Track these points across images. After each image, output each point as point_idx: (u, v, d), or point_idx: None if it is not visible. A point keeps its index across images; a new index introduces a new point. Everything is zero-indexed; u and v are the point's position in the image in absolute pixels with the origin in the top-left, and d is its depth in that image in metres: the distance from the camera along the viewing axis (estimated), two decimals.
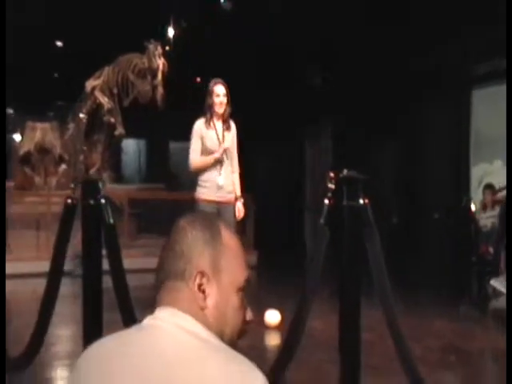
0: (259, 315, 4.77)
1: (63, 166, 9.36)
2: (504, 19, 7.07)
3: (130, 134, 9.97)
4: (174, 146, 13.39)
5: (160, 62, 8.76)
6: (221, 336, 1.11)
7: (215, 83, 4.73)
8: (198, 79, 11.91)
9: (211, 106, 4.70)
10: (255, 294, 6.33)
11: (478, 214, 7.58)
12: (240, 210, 4.77)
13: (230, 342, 1.13)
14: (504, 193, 6.77)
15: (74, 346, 4.18)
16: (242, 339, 1.15)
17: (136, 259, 6.77)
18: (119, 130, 9.35)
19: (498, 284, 6.41)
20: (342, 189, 2.43)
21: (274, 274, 7.94)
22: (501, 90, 8.74)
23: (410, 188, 9.10)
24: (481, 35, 7.60)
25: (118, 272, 2.53)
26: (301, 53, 9.45)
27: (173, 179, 11.31)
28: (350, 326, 2.51)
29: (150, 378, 1.02)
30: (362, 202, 2.44)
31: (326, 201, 2.47)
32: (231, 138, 4.78)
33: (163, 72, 8.84)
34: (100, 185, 2.57)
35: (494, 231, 7.21)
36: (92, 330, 2.61)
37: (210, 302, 1.12)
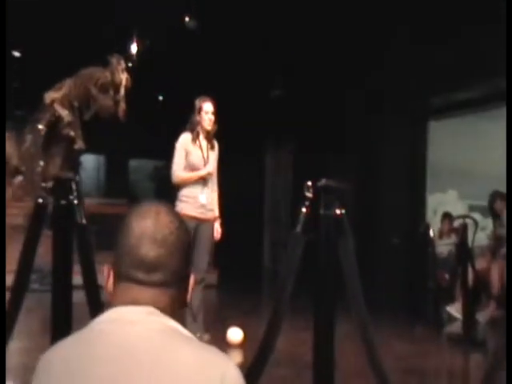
0: (221, 333, 4.73)
1: (19, 178, 9.11)
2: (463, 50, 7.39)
3: (89, 148, 9.83)
4: (133, 163, 13.30)
5: (123, 77, 8.66)
6: None
7: (204, 100, 4.75)
8: (160, 97, 11.93)
9: (199, 123, 4.71)
10: (217, 313, 6.32)
11: (435, 241, 7.74)
12: (218, 230, 4.79)
13: None
14: (460, 221, 6.95)
15: (32, 360, 4.02)
16: None
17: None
18: (79, 144, 9.17)
19: (454, 310, 6.56)
20: (319, 198, 2.44)
21: (233, 293, 7.89)
22: (456, 122, 9.08)
23: (367, 214, 9.24)
24: (439, 67, 7.85)
25: (90, 274, 2.46)
26: (261, 68, 9.58)
27: (132, 195, 11.18)
28: (323, 340, 2.48)
29: (124, 368, 1.01)
30: (338, 211, 2.45)
31: (303, 209, 2.47)
32: (215, 157, 4.82)
33: (126, 87, 8.74)
34: (73, 184, 2.50)
35: (450, 258, 7.37)
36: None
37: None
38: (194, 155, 4.70)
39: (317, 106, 9.77)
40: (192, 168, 4.69)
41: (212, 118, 4.75)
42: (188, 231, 1.18)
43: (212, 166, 4.77)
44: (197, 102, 4.77)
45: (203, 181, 4.70)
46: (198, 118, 4.72)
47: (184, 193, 4.69)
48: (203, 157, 4.72)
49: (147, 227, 1.09)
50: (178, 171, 4.71)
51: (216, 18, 8.57)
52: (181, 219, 1.16)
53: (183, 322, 4.50)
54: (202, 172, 4.68)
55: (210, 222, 4.74)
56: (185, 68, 9.59)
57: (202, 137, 4.76)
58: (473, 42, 7.20)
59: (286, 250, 2.53)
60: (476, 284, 5.83)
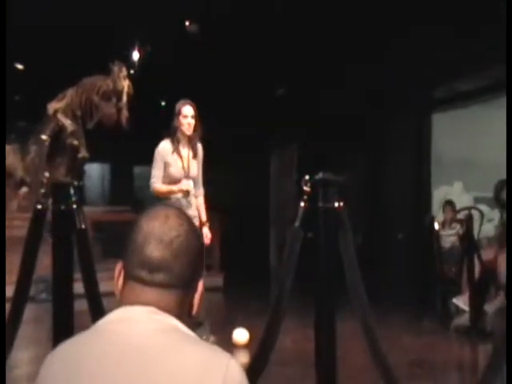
0: (229, 335, 4.75)
1: (24, 189, 9.16)
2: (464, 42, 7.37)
3: (93, 157, 9.87)
4: (137, 169, 13.33)
5: (125, 84, 8.68)
6: None
7: (183, 104, 4.50)
8: (163, 103, 11.95)
9: (178, 128, 4.45)
10: (223, 315, 6.34)
11: (440, 232, 7.71)
12: (207, 235, 4.56)
13: None
14: (465, 213, 6.92)
15: (37, 368, 4.08)
16: None
17: (101, 282, 6.62)
18: (83, 153, 9.21)
19: (461, 303, 6.54)
20: (318, 191, 2.43)
21: (240, 295, 7.90)
22: (460, 113, 9.05)
23: (373, 208, 9.23)
24: (441, 58, 7.84)
25: (91, 278, 2.47)
26: (263, 68, 9.60)
27: (137, 203, 11.19)
28: (325, 335, 2.48)
29: (129, 367, 1.02)
30: (337, 204, 2.45)
31: (302, 203, 2.46)
32: (197, 165, 4.55)
33: (128, 94, 8.75)
34: (71, 189, 2.51)
35: (454, 250, 7.35)
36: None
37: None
38: (173, 167, 4.44)
39: (319, 103, 9.77)
40: (171, 180, 4.45)
41: (191, 122, 4.45)
42: (200, 238, 1.17)
43: (192, 179, 4.52)
44: (176, 106, 4.53)
45: (183, 193, 4.47)
46: (176, 122, 4.46)
47: (166, 202, 4.40)
48: (183, 167, 4.45)
49: (155, 227, 1.11)
50: (156, 183, 4.47)
51: (216, 20, 8.59)
52: (193, 225, 1.16)
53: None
54: (176, 188, 4.43)
55: None
56: (187, 72, 9.61)
57: (182, 144, 4.48)
58: (473, 32, 7.18)
59: (286, 246, 2.53)
60: (483, 275, 5.80)
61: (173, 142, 4.45)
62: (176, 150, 4.44)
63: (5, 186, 8.40)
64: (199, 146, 4.58)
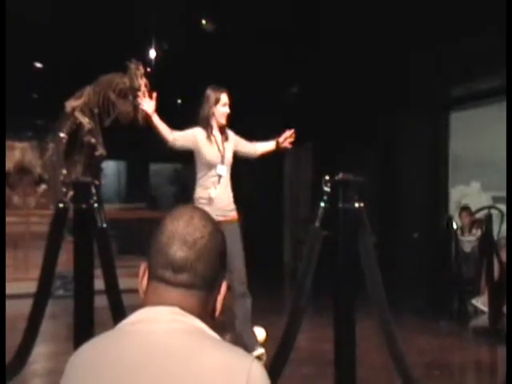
0: None
1: (43, 186, 9.24)
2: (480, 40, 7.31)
3: (110, 155, 9.93)
4: (153, 167, 13.39)
5: (142, 82, 8.69)
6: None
7: (221, 91, 4.26)
8: (179, 101, 12.00)
9: (213, 116, 4.23)
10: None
11: (459, 238, 7.64)
12: None
13: None
14: (481, 213, 6.85)
15: (55, 364, 4.12)
16: None
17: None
18: (100, 151, 9.28)
19: (480, 304, 6.48)
20: (338, 192, 2.43)
21: (255, 291, 7.88)
22: (478, 112, 8.97)
23: (389, 207, 9.18)
24: (460, 57, 7.78)
25: (111, 277, 2.48)
26: (278, 66, 9.58)
27: (153, 200, 11.26)
28: (344, 335, 2.48)
29: (153, 367, 1.02)
30: (357, 205, 2.44)
31: (322, 204, 2.46)
32: (231, 148, 4.33)
33: (145, 92, 8.78)
34: (93, 188, 2.52)
35: (474, 253, 7.28)
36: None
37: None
38: (208, 151, 4.20)
39: (334, 101, 9.74)
40: (209, 165, 4.21)
41: (229, 110, 4.27)
42: (224, 240, 1.17)
43: (227, 165, 4.29)
44: (212, 93, 4.25)
45: (218, 177, 4.20)
46: (213, 110, 4.21)
47: (199, 194, 4.24)
48: (219, 150, 4.22)
49: (179, 228, 1.11)
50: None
51: (231, 18, 8.60)
52: (217, 226, 1.16)
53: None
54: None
55: (233, 223, 4.22)
56: (202, 70, 9.64)
57: (215, 131, 4.26)
58: (493, 31, 7.11)
59: (305, 245, 2.52)
60: (502, 276, 5.74)
61: (206, 129, 4.23)
62: (210, 137, 4.23)
63: (5, 186, 8.48)
64: (230, 132, 4.39)
